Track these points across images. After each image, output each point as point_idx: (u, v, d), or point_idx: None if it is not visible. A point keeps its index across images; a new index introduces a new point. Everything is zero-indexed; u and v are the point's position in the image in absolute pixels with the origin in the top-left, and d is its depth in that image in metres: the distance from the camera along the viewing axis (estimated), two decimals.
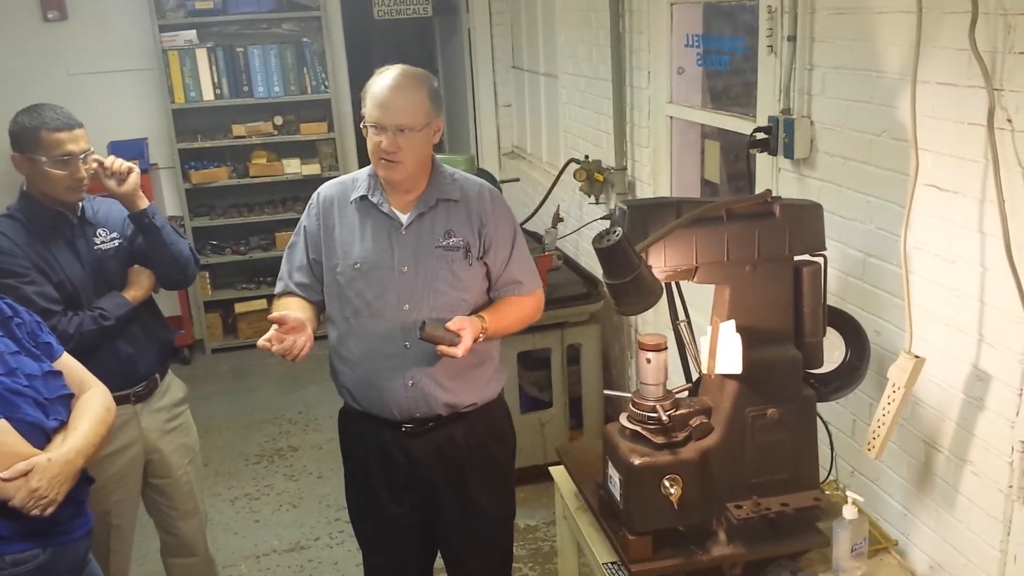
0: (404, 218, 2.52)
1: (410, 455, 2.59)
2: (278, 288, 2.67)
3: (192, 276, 3.07)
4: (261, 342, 2.33)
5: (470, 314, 2.50)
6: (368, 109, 2.43)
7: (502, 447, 2.74)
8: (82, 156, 2.74)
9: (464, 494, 2.65)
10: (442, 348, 2.35)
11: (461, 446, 2.61)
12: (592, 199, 4.54)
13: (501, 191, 4.42)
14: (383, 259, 2.50)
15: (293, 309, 2.50)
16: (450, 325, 2.38)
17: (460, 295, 2.52)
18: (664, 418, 2.09)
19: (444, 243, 2.51)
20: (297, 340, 2.35)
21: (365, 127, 2.44)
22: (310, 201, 2.64)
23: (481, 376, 2.62)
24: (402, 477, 2.63)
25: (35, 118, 2.70)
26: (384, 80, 2.42)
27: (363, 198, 2.53)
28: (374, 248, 2.51)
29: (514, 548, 3.84)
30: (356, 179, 2.59)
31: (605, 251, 1.95)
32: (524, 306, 2.64)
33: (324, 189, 2.63)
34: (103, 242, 2.89)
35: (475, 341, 2.41)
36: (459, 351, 2.35)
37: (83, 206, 2.88)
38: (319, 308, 2.62)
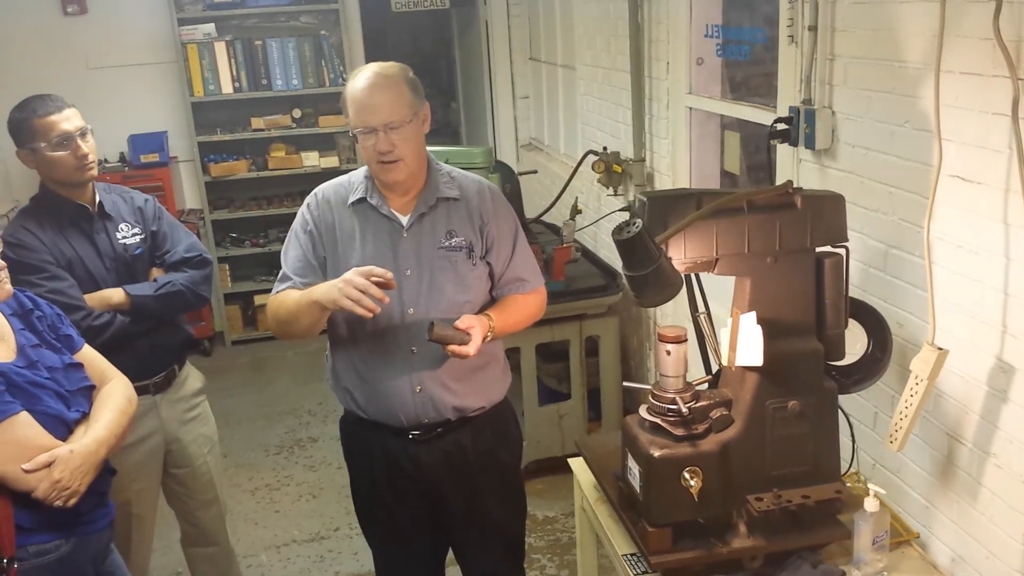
0: (405, 220, 2.47)
1: (417, 462, 2.56)
2: (280, 288, 2.51)
3: (200, 304, 3.09)
4: (360, 279, 2.24)
5: (476, 314, 2.46)
6: (352, 116, 2.38)
7: (509, 449, 2.71)
8: (79, 134, 2.76)
9: (473, 499, 2.63)
10: (452, 348, 2.31)
11: (469, 451, 2.58)
12: (610, 191, 4.53)
13: (519, 183, 4.44)
14: (385, 263, 2.42)
15: (300, 293, 2.45)
16: (459, 323, 2.34)
17: (465, 296, 2.48)
18: (684, 410, 2.08)
19: (447, 244, 2.47)
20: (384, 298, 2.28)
21: (354, 135, 2.39)
22: (307, 201, 2.56)
23: (488, 378, 2.59)
24: (409, 484, 2.59)
25: (24, 109, 2.73)
26: (360, 83, 2.37)
27: (361, 200, 2.48)
28: (376, 252, 2.46)
29: (533, 539, 3.87)
30: (352, 181, 2.53)
31: (625, 243, 1.94)
32: (529, 304, 2.60)
33: (321, 190, 2.56)
34: (124, 237, 2.91)
35: (484, 340, 2.38)
36: (471, 349, 2.32)
37: (101, 200, 2.89)
38: None
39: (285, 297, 2.48)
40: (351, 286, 2.24)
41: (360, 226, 2.49)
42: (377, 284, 2.25)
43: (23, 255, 2.70)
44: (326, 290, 2.31)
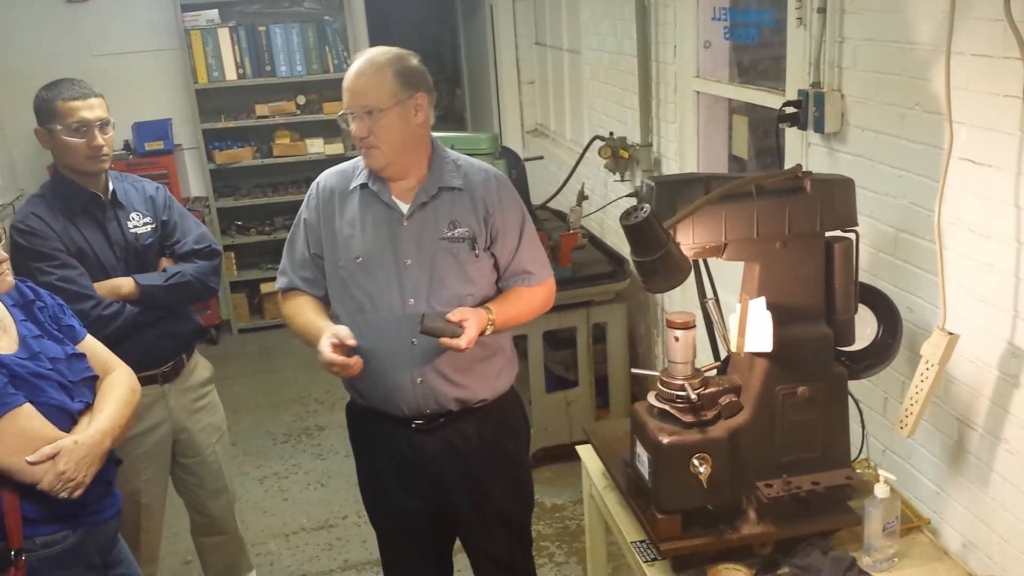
0: (405, 208, 2.44)
1: (421, 451, 2.54)
2: (280, 283, 2.60)
3: (209, 295, 3.07)
4: (328, 356, 2.31)
5: (477, 306, 2.43)
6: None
7: (515, 441, 2.68)
8: (99, 124, 2.75)
9: (478, 489, 2.60)
10: (444, 340, 2.28)
11: (473, 441, 2.55)
12: (617, 176, 4.50)
13: (525, 169, 4.42)
14: (384, 252, 2.42)
15: (310, 311, 2.50)
16: (451, 316, 2.31)
17: (467, 288, 2.44)
18: (693, 397, 2.07)
19: (449, 234, 2.43)
20: (359, 362, 2.35)
21: (342, 116, 2.40)
22: (309, 191, 2.56)
23: (491, 369, 2.55)
24: (414, 473, 2.58)
25: (52, 90, 2.74)
26: (351, 68, 2.39)
27: (364, 186, 2.46)
28: (375, 240, 2.44)
29: (541, 527, 3.87)
30: (357, 166, 2.51)
31: (633, 228, 1.92)
32: (534, 297, 2.55)
33: (324, 179, 2.56)
34: (135, 226, 2.90)
35: (482, 334, 2.35)
36: (462, 342, 2.28)
37: (114, 188, 2.88)
38: (326, 303, 2.56)
39: (298, 310, 2.54)
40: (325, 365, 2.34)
41: (361, 213, 2.47)
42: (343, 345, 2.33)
43: (34, 242, 2.70)
44: (318, 347, 2.36)
